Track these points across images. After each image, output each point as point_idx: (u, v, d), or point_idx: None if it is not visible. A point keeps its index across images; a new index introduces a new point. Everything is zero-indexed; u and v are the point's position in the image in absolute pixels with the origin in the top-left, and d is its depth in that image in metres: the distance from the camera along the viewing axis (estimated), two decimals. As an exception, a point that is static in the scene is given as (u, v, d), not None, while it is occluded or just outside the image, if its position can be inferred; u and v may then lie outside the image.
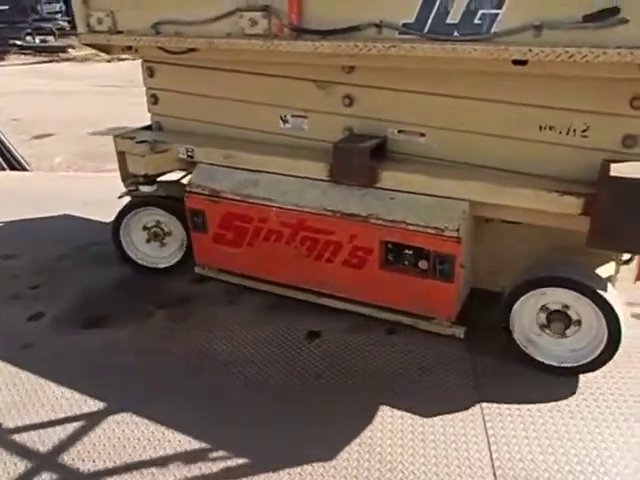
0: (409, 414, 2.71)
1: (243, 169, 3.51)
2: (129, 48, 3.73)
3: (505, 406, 2.74)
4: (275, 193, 3.37)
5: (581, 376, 2.90)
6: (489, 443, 2.54)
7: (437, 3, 2.62)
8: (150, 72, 3.86)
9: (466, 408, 2.74)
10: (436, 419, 2.68)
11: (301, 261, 3.40)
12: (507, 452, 2.50)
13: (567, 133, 2.81)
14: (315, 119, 3.43)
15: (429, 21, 2.67)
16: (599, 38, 2.36)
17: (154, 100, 3.95)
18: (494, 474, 2.39)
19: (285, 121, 3.54)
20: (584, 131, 2.77)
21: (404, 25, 2.73)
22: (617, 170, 2.53)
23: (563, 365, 2.91)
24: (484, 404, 2.76)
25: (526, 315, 2.94)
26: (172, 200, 3.83)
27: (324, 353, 3.16)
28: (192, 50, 3.43)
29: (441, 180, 2.98)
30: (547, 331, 2.92)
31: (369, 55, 2.80)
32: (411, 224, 3.00)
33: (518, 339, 2.97)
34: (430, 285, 3.06)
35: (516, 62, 2.61)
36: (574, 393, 2.82)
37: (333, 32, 2.86)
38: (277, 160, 3.39)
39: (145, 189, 3.79)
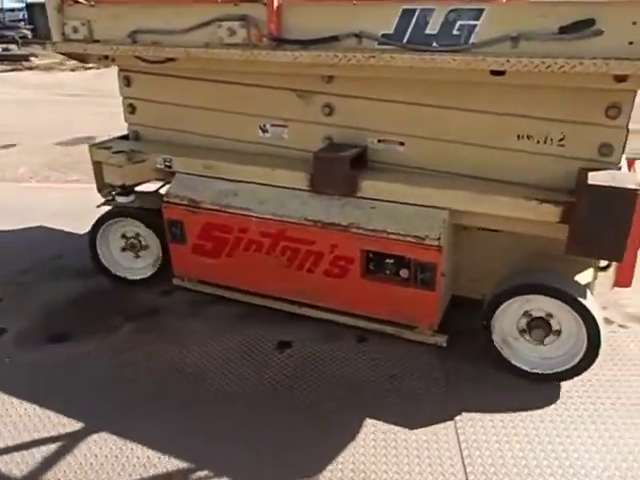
0: (381, 423, 2.71)
1: (223, 179, 3.48)
2: (106, 57, 3.67)
3: (477, 413, 2.76)
4: (255, 203, 3.34)
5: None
6: (461, 449, 2.56)
7: (416, 14, 2.64)
8: (127, 81, 3.82)
9: (438, 416, 2.75)
10: (408, 428, 2.67)
11: (282, 271, 3.37)
12: (479, 457, 2.52)
13: (544, 142, 2.85)
14: (295, 128, 3.42)
15: (408, 32, 2.69)
16: (575, 49, 2.41)
17: (131, 109, 3.90)
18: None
19: (265, 130, 3.52)
20: (561, 140, 2.81)
21: (383, 36, 2.74)
22: (595, 178, 2.56)
23: (536, 371, 2.93)
24: (456, 411, 2.77)
25: (507, 319, 2.95)
26: (147, 211, 3.77)
27: (295, 363, 3.15)
28: (170, 60, 3.40)
29: (421, 189, 2.99)
30: (526, 336, 2.94)
31: (349, 65, 2.81)
32: (392, 233, 3.00)
33: (496, 341, 2.98)
34: (412, 294, 3.07)
35: (494, 72, 2.65)
36: (546, 398, 2.84)
37: (313, 42, 2.86)
38: (257, 170, 3.37)
39: (122, 200, 3.74)
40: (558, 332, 2.87)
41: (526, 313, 2.92)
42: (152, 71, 3.66)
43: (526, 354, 2.97)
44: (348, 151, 3.14)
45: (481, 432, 2.64)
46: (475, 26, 2.55)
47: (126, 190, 3.71)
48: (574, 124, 2.76)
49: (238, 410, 2.81)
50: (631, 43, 2.34)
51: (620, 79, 2.48)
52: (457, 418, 2.73)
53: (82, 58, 3.82)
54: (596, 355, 2.76)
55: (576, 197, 2.65)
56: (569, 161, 2.81)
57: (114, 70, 3.85)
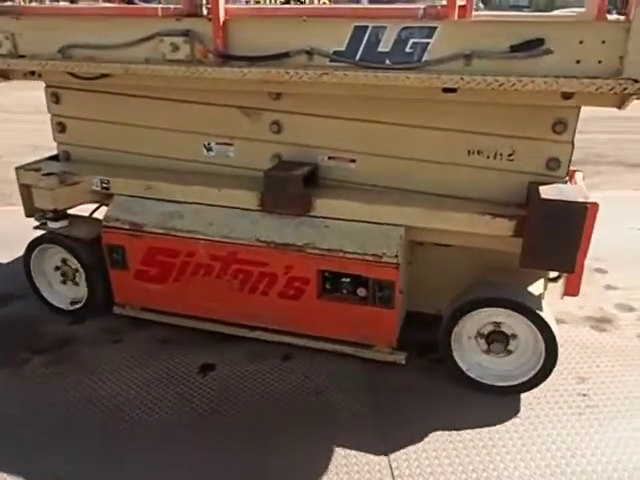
0: (307, 443, 2.67)
1: (165, 200, 3.31)
2: (32, 73, 3.41)
3: (404, 426, 2.76)
4: (202, 225, 3.20)
5: (486, 394, 2.97)
6: (389, 461, 2.56)
7: (368, 31, 2.62)
8: (55, 98, 3.57)
9: (364, 431, 2.74)
10: (335, 447, 2.64)
11: (234, 295, 3.24)
12: (405, 460, 2.55)
13: (494, 157, 2.90)
14: (241, 146, 3.31)
15: (360, 49, 2.66)
16: (526, 68, 2.46)
17: (61, 128, 3.64)
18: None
19: (209, 149, 3.38)
20: (510, 155, 2.87)
21: (335, 53, 2.70)
22: (546, 193, 2.62)
23: (499, 384, 2.96)
24: (384, 426, 2.77)
25: (466, 339, 2.98)
26: (72, 239, 3.50)
27: (220, 386, 3.05)
28: (105, 75, 3.21)
29: (376, 206, 2.96)
30: (490, 353, 2.96)
31: (299, 82, 2.74)
32: (348, 252, 2.95)
33: (459, 361, 2.99)
34: (369, 312, 3.02)
35: (446, 90, 2.66)
36: (479, 409, 2.88)
37: (261, 59, 2.78)
38: (202, 190, 3.23)
39: (54, 225, 3.47)
40: (514, 345, 2.92)
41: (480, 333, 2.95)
42: (84, 87, 3.44)
43: (490, 368, 2.99)
44: (300, 169, 3.06)
45: (409, 439, 2.67)
46: (428, 44, 2.56)
47: (58, 215, 3.45)
48: (522, 139, 2.83)
49: (158, 441, 2.68)
50: (578, 62, 2.42)
51: (567, 96, 2.56)
52: (385, 432, 2.73)
53: (4, 74, 3.53)
54: (553, 365, 2.82)
55: (528, 211, 2.71)
56: (518, 175, 2.87)
57: (17, 84, 3.57)
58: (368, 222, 2.98)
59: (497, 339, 2.90)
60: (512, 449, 2.62)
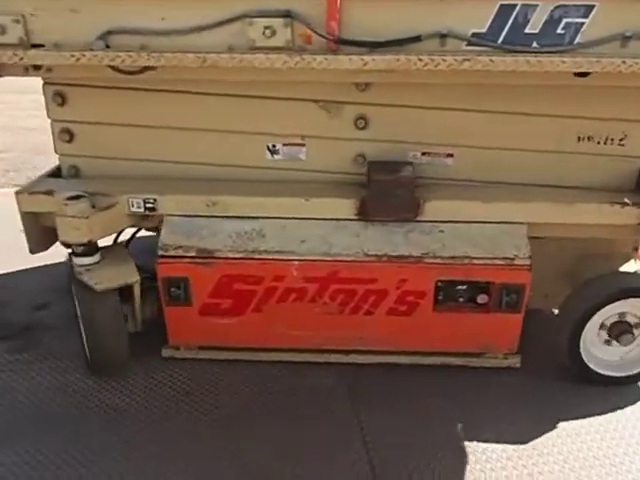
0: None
1: (237, 217, 2.75)
2: (36, 67, 2.61)
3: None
4: (292, 243, 2.71)
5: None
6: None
7: (516, 11, 2.32)
8: (61, 99, 2.78)
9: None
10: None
11: (330, 319, 2.81)
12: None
13: (605, 142, 2.78)
14: (316, 146, 2.84)
15: (504, 31, 2.35)
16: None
17: (68, 137, 2.85)
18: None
19: (274, 152, 2.87)
20: (621, 140, 2.77)
21: (474, 35, 2.36)
22: None
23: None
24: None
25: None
26: None
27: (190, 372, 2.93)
28: (148, 68, 2.54)
29: (496, 204, 2.70)
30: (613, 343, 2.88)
31: (425, 71, 2.37)
32: (475, 258, 2.67)
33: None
34: (493, 319, 2.79)
35: (578, 74, 2.47)
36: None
37: (386, 44, 2.35)
38: (287, 202, 2.73)
39: (86, 261, 2.74)
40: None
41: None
42: (104, 84, 2.72)
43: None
44: (404, 170, 2.71)
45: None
46: (582, 24, 2.33)
47: (92, 247, 2.72)
48: (634, 122, 2.73)
49: (130, 423, 2.62)
50: None
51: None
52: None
53: (-2, 69, 2.66)
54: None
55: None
56: (629, 160, 2.79)
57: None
58: (485, 222, 2.73)
59: (624, 330, 2.83)
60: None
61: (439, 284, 2.74)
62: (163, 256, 2.71)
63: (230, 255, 2.70)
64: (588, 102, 2.69)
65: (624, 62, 2.30)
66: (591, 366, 2.87)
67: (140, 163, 2.87)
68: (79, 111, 2.82)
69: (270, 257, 2.70)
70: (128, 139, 2.84)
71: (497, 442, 2.54)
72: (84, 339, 2.84)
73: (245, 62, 2.36)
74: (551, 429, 2.63)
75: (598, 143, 2.78)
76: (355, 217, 2.73)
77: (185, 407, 2.73)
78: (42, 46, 2.44)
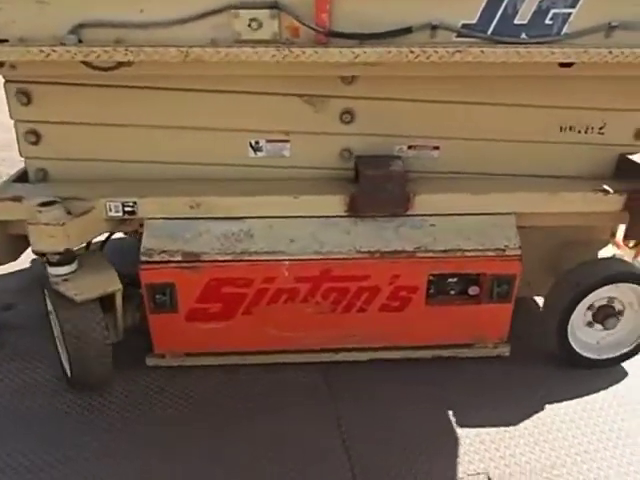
0: None
1: (222, 218, 2.64)
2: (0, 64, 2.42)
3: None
4: (282, 243, 2.63)
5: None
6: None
7: (505, 2, 2.30)
8: (26, 98, 2.58)
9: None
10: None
11: (321, 318, 2.75)
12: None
13: (585, 132, 2.82)
14: (301, 142, 2.76)
15: (494, 22, 2.33)
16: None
17: (34, 138, 2.67)
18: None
19: (257, 149, 2.77)
20: (601, 128, 2.82)
21: (464, 26, 2.33)
22: None
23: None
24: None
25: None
26: None
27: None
28: (122, 64, 2.39)
29: (485, 196, 2.70)
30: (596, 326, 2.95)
31: (416, 63, 2.32)
32: (467, 250, 2.66)
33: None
34: (484, 310, 2.80)
35: (563, 64, 2.48)
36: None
37: (376, 36, 2.29)
38: (275, 200, 2.64)
39: (62, 270, 2.57)
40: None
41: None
42: (74, 82, 2.54)
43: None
44: (394, 164, 2.66)
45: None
46: (570, 14, 2.33)
47: (69, 256, 2.56)
48: (613, 111, 2.78)
49: (105, 424, 2.57)
50: None
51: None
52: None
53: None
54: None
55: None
56: (608, 148, 2.85)
57: None
58: (474, 214, 2.73)
59: (609, 313, 2.89)
60: None
61: (431, 278, 2.73)
62: (147, 262, 2.57)
63: (218, 258, 2.59)
64: (570, 92, 2.71)
65: (610, 52, 2.32)
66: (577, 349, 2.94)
67: (116, 164, 2.71)
68: (46, 110, 2.63)
69: (260, 258, 2.61)
70: (101, 139, 2.68)
71: (482, 427, 2.60)
72: (63, 353, 2.68)
73: (231, 56, 2.25)
74: (533, 413, 2.69)
75: (579, 132, 2.82)
76: (345, 214, 2.67)
77: (163, 407, 2.66)
78: (6, 41, 2.25)
